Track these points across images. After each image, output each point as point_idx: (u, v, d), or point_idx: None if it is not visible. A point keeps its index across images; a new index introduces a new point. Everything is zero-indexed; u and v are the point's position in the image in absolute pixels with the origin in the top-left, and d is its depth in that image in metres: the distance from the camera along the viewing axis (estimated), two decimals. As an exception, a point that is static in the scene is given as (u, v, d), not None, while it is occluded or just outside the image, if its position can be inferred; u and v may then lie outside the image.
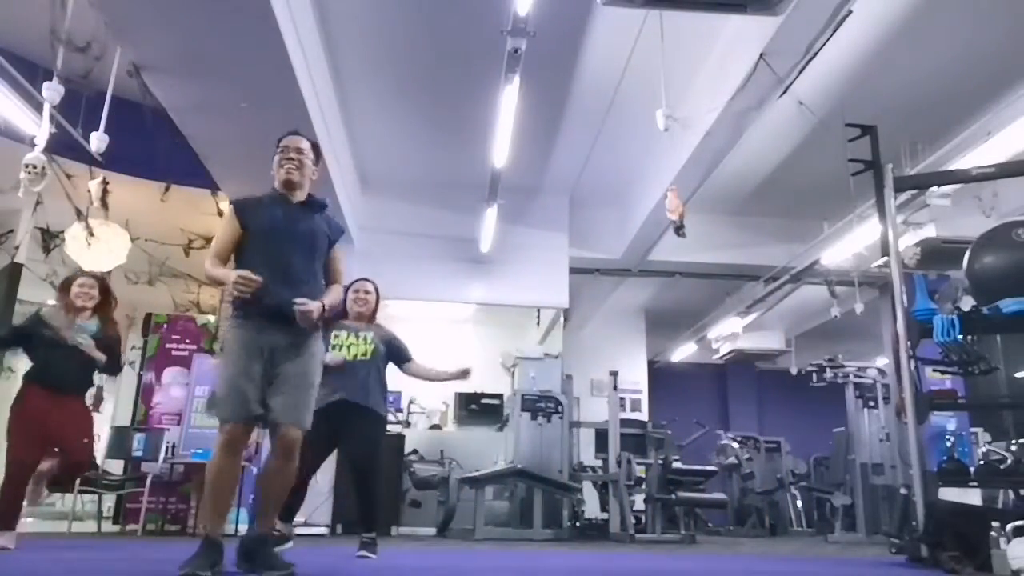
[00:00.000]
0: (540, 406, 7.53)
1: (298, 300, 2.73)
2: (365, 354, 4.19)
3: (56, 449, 4.12)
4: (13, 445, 3.97)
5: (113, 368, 4.40)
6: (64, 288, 4.32)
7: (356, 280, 4.44)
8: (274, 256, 2.83)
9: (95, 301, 4.31)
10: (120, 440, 6.67)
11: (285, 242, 2.86)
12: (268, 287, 2.73)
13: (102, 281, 4.44)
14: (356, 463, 4.24)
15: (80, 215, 6.19)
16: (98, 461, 6.80)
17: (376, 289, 4.47)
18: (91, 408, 4.58)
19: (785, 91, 5.45)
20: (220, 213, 7.33)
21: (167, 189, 7.03)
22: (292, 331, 2.79)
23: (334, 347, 4.21)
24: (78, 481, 6.13)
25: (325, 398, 4.00)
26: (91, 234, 5.85)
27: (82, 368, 4.20)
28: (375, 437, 4.30)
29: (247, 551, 2.78)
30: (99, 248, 5.97)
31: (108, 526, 6.83)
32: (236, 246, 2.90)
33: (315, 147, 3.10)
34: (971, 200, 6.70)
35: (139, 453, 6.53)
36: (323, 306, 2.82)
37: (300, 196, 3.00)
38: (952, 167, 5.91)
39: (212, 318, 7.52)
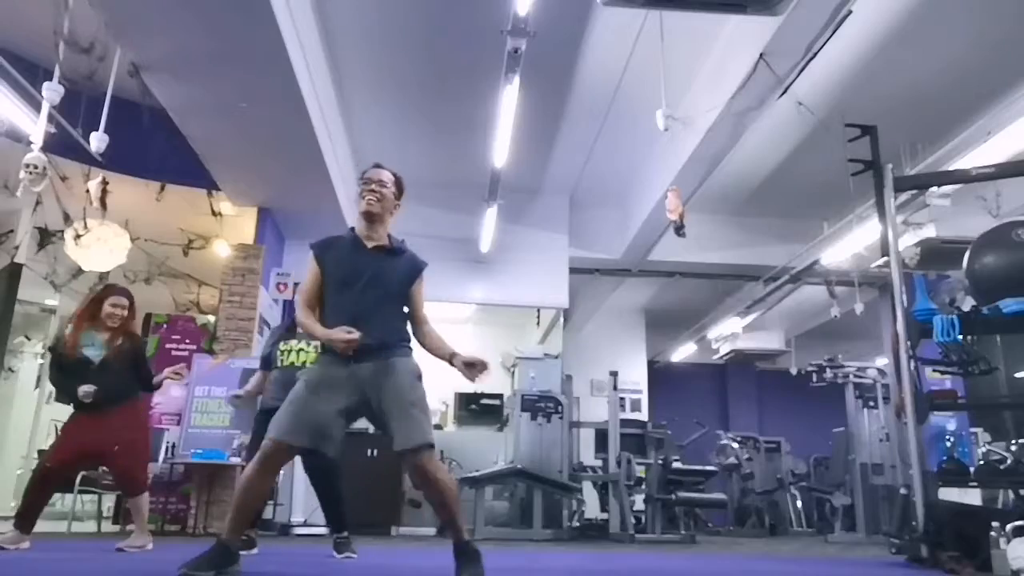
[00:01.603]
0: (540, 406, 7.52)
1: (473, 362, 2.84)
2: (315, 361, 4.20)
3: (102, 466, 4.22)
4: (48, 452, 4.10)
5: (146, 386, 4.34)
6: (96, 301, 4.24)
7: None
8: (348, 303, 2.83)
9: (119, 323, 4.25)
10: (120, 440, 6.65)
11: (358, 289, 2.85)
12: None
13: (131, 298, 4.38)
14: (315, 466, 4.26)
15: (68, 218, 6.19)
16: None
17: None
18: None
19: (785, 91, 5.45)
20: (214, 213, 7.35)
21: (162, 188, 7.03)
22: (373, 360, 2.78)
23: (281, 353, 4.32)
24: (78, 481, 6.15)
25: (279, 401, 4.04)
26: (78, 235, 5.83)
27: (112, 380, 4.09)
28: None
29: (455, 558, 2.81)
30: (99, 248, 5.97)
31: (108, 526, 6.83)
32: (321, 287, 2.92)
33: (397, 180, 3.06)
34: (971, 200, 6.69)
35: (139, 453, 6.52)
36: (453, 353, 2.90)
37: (379, 233, 2.97)
38: (952, 167, 5.91)
39: (212, 318, 7.51)
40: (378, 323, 2.79)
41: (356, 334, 2.68)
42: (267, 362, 4.46)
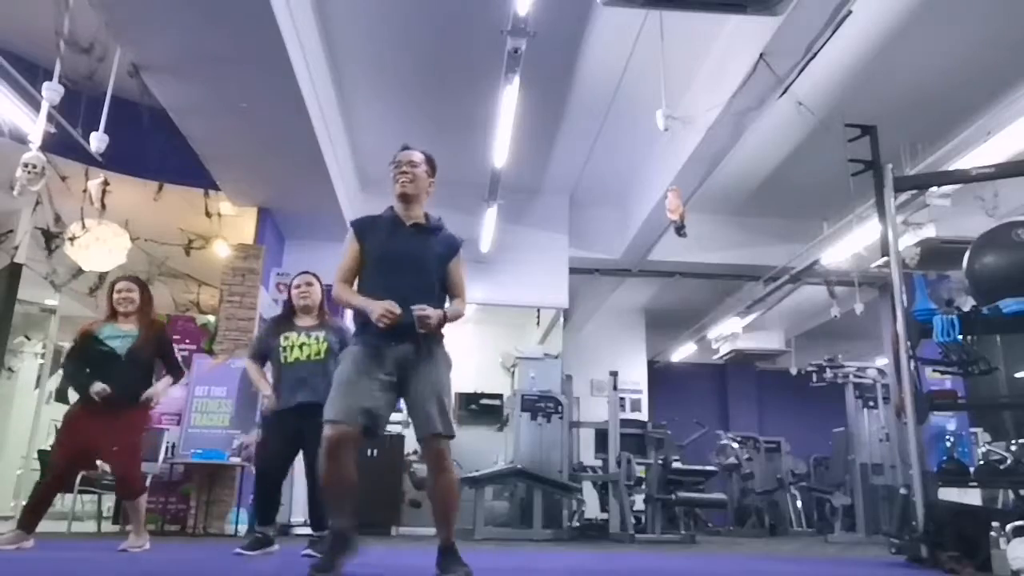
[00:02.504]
0: (540, 406, 7.53)
1: (416, 307, 2.74)
2: (319, 353, 4.14)
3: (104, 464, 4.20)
4: (55, 450, 4.08)
5: (175, 372, 4.27)
6: (109, 296, 4.23)
7: (299, 273, 4.42)
8: (389, 282, 2.85)
9: (136, 304, 4.20)
10: (120, 440, 6.66)
11: (398, 268, 2.89)
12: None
13: (140, 282, 4.33)
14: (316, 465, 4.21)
15: (59, 219, 6.19)
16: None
17: (320, 282, 4.38)
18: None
19: (785, 91, 5.45)
20: (209, 214, 7.34)
21: (160, 188, 7.03)
22: (414, 342, 2.79)
23: (283, 348, 4.15)
24: (78, 480, 6.14)
25: (288, 400, 4.03)
26: (74, 236, 5.83)
27: (129, 378, 4.04)
28: None
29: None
30: (98, 248, 5.97)
31: (108, 526, 6.83)
32: (360, 264, 2.95)
33: (428, 159, 3.08)
34: (971, 200, 6.69)
35: (139, 453, 6.52)
36: (444, 315, 2.84)
37: (416, 212, 3.01)
38: (952, 167, 5.90)
39: (212, 318, 7.51)
40: (417, 300, 2.78)
41: (398, 308, 2.71)
42: (261, 353, 4.28)
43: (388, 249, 2.92)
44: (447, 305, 2.96)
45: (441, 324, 2.84)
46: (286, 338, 4.18)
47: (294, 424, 3.96)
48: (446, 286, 2.99)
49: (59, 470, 3.99)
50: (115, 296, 4.18)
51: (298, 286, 4.33)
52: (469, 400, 10.04)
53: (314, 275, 4.40)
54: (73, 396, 4.27)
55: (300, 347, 4.15)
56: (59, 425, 4.19)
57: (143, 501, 4.18)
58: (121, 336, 4.10)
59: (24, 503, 4.02)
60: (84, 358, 4.09)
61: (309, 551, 3.93)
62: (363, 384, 2.72)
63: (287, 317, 4.33)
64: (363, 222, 3.03)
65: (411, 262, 2.91)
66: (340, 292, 2.92)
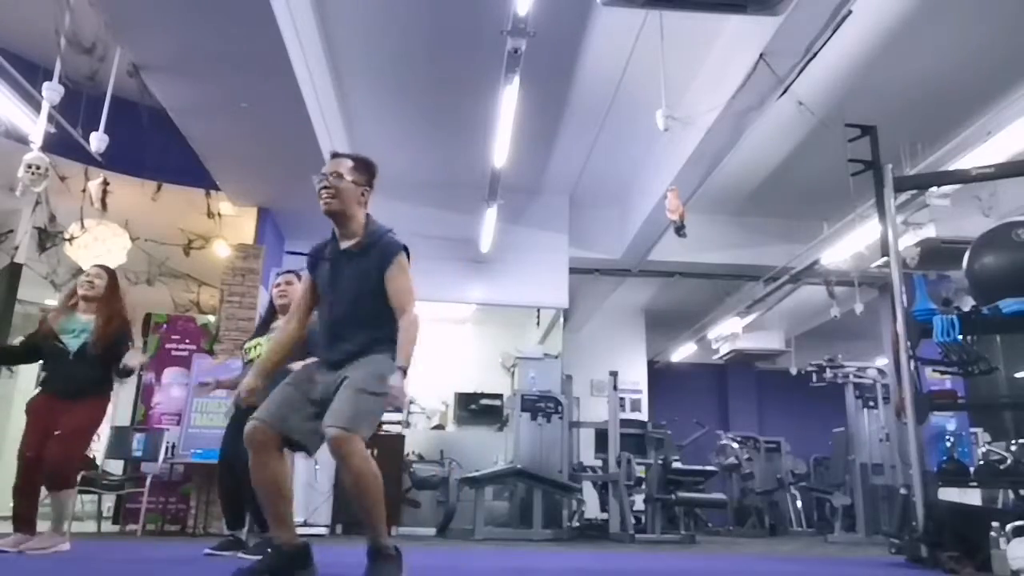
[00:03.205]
0: (540, 406, 7.53)
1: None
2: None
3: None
4: (22, 441, 3.88)
5: (118, 371, 4.02)
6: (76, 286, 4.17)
7: (280, 273, 4.33)
8: (328, 318, 2.75)
9: (97, 291, 4.06)
10: (120, 440, 6.66)
11: (331, 301, 2.75)
12: (320, 343, 2.76)
13: (109, 271, 4.20)
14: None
15: (54, 219, 6.19)
16: (98, 461, 6.81)
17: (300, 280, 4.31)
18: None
19: (785, 91, 5.45)
20: (209, 214, 7.35)
21: (159, 188, 7.04)
22: (348, 365, 2.66)
23: (249, 349, 4.09)
24: (78, 480, 6.12)
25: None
26: (72, 237, 5.82)
27: (87, 372, 3.94)
28: None
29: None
30: (98, 248, 5.97)
31: (108, 526, 6.83)
32: (312, 301, 2.84)
33: (359, 164, 2.83)
34: (971, 200, 6.70)
35: (139, 453, 6.52)
36: (403, 371, 2.58)
37: (350, 229, 2.78)
38: (952, 167, 5.91)
39: (212, 318, 7.51)
40: (351, 334, 2.66)
41: (250, 394, 2.70)
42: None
43: (326, 282, 2.77)
44: (400, 346, 2.65)
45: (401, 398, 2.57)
46: (257, 342, 4.11)
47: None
48: (391, 302, 2.72)
49: (29, 460, 3.81)
50: (81, 278, 4.10)
51: (278, 284, 4.24)
52: (469, 400, 10.03)
53: (296, 274, 4.22)
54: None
55: (259, 348, 4.03)
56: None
57: (68, 497, 3.93)
58: (76, 330, 3.97)
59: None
60: (35, 344, 4.04)
61: (214, 550, 3.86)
62: (295, 399, 2.61)
63: (267, 322, 4.23)
64: (313, 253, 2.86)
65: (345, 292, 2.72)
66: (276, 333, 2.89)
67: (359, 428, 2.49)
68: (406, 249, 2.79)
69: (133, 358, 4.02)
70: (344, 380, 2.57)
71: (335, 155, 2.87)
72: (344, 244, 2.78)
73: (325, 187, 2.74)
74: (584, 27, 5.92)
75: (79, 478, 5.02)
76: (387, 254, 2.74)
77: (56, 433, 3.79)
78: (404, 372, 2.57)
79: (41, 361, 4.12)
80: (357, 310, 2.70)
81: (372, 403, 2.55)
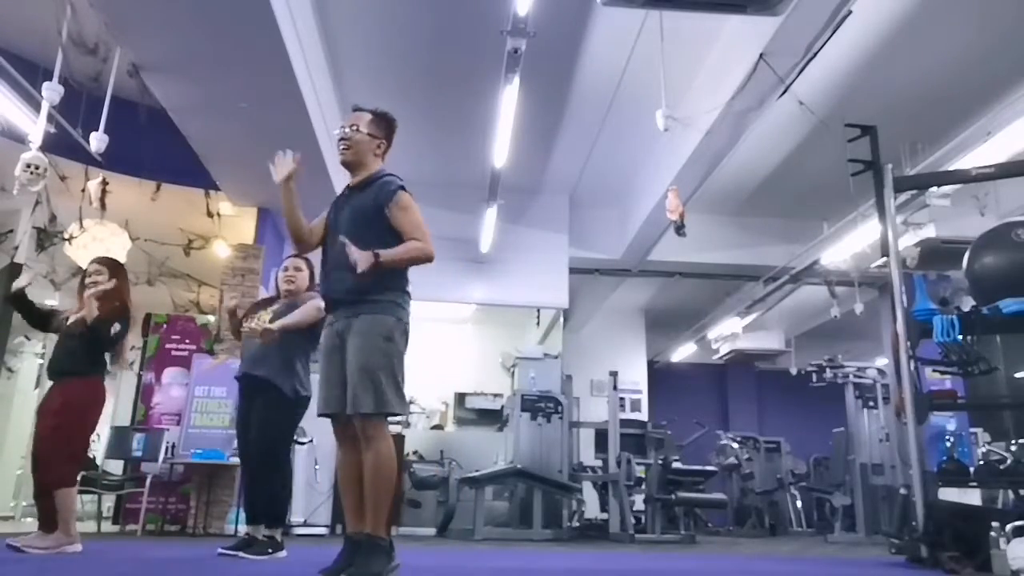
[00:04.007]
0: (540, 406, 7.52)
1: (345, 240, 2.65)
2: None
3: None
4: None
5: (92, 353, 3.82)
6: (81, 281, 4.11)
7: (290, 256, 4.28)
8: (330, 251, 2.84)
9: (101, 292, 3.91)
10: (120, 440, 6.66)
11: (337, 231, 2.81)
12: (321, 280, 2.86)
13: (107, 262, 4.10)
14: (251, 448, 3.87)
15: (54, 219, 6.18)
16: (98, 461, 6.81)
17: (311, 269, 4.16)
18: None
19: (785, 91, 5.45)
20: (209, 214, 7.35)
21: (158, 188, 7.04)
22: (344, 311, 2.73)
23: (246, 319, 4.07)
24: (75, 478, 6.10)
25: (240, 368, 3.94)
26: (72, 237, 5.81)
27: (73, 348, 3.80)
28: (273, 418, 3.85)
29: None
30: (97, 248, 5.97)
31: (108, 526, 6.83)
32: (321, 234, 2.94)
33: (377, 118, 2.90)
34: (971, 200, 6.70)
35: (139, 453, 6.52)
36: (375, 255, 2.59)
37: (361, 177, 2.88)
38: (952, 167, 5.91)
39: (212, 318, 7.51)
40: (346, 269, 2.63)
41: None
42: (236, 329, 4.22)
43: (332, 219, 2.90)
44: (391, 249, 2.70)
45: (373, 266, 2.58)
46: (257, 316, 4.05)
47: (244, 398, 3.90)
48: (399, 237, 2.75)
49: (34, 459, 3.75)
50: (86, 279, 4.04)
51: (285, 268, 4.18)
52: (469, 400, 10.05)
53: (306, 260, 4.19)
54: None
55: (261, 320, 3.97)
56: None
57: (65, 496, 3.70)
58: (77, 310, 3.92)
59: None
60: (50, 319, 4.01)
61: (224, 550, 3.74)
62: (330, 372, 2.73)
63: (269, 301, 4.20)
64: (336, 199, 3.01)
65: (344, 224, 2.79)
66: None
67: (385, 406, 2.58)
68: (404, 188, 2.83)
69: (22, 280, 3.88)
70: (352, 356, 2.63)
71: (356, 108, 2.96)
72: (351, 186, 2.91)
73: (342, 138, 2.86)
74: (584, 27, 5.92)
75: (79, 477, 4.88)
76: (385, 191, 2.78)
77: (44, 429, 3.69)
78: (376, 256, 2.59)
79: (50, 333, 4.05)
80: (359, 236, 2.69)
81: (386, 370, 2.60)
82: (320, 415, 2.78)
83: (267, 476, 3.84)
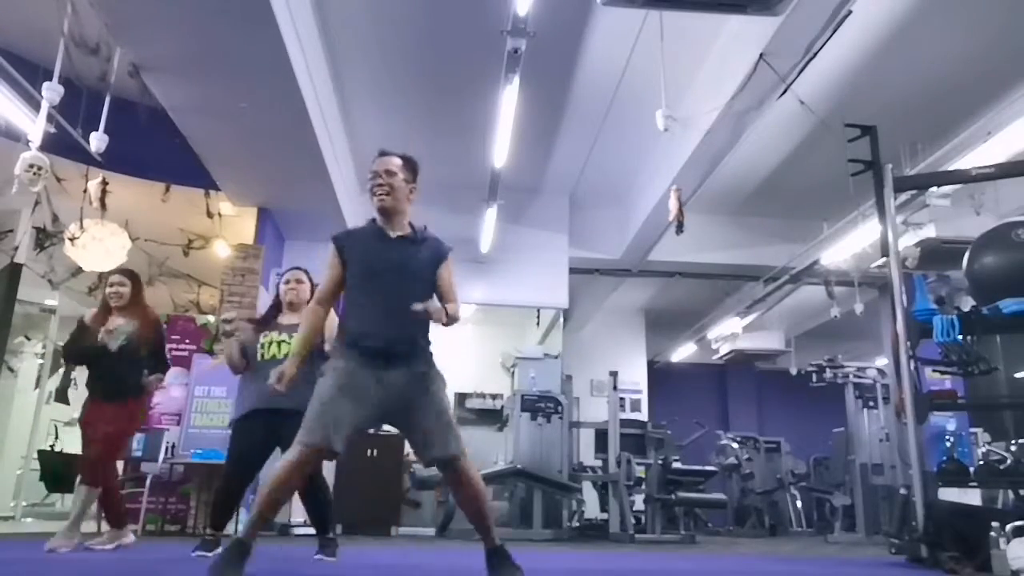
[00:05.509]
0: (540, 406, 7.53)
1: (417, 306, 2.65)
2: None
3: None
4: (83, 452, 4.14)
5: (160, 365, 4.31)
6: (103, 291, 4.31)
7: (290, 268, 4.32)
8: (374, 297, 2.75)
9: (125, 299, 4.22)
10: (120, 440, 6.66)
11: (382, 282, 2.76)
12: (371, 328, 2.72)
13: (132, 275, 4.34)
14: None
15: (56, 219, 6.19)
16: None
17: (310, 279, 4.21)
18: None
19: (785, 91, 5.45)
20: (211, 214, 7.34)
21: (167, 189, 7.04)
22: (406, 365, 2.73)
23: (262, 345, 3.99)
24: (78, 481, 6.13)
25: (260, 400, 3.76)
26: (73, 237, 5.82)
27: (125, 372, 4.12)
28: None
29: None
30: (97, 248, 5.97)
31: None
32: (341, 284, 2.85)
33: (407, 163, 2.90)
34: (970, 200, 6.70)
35: (139, 453, 6.52)
36: (445, 311, 2.70)
37: (399, 223, 2.87)
38: (952, 167, 5.91)
39: (212, 318, 7.51)
40: (407, 317, 2.66)
41: (281, 383, 2.76)
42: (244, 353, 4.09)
43: (372, 263, 2.79)
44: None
45: (444, 320, 2.69)
46: (266, 335, 4.03)
47: (268, 427, 3.76)
48: (440, 295, 2.84)
49: (82, 467, 4.07)
50: (107, 291, 4.24)
51: (287, 281, 4.22)
52: (469, 400, 10.05)
53: (305, 272, 4.28)
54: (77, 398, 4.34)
55: (278, 344, 3.97)
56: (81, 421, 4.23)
57: (89, 492, 4.08)
58: (115, 331, 4.11)
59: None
60: (82, 349, 4.17)
61: (321, 555, 3.87)
62: (343, 405, 2.60)
63: (272, 316, 4.19)
64: (344, 236, 2.90)
65: (396, 274, 2.77)
66: (305, 314, 2.94)
67: (464, 447, 2.74)
68: None
69: (152, 384, 4.26)
70: (433, 409, 2.71)
71: (383, 153, 2.93)
72: (393, 234, 2.86)
73: (379, 184, 2.83)
74: (584, 27, 5.92)
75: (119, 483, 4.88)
76: (442, 250, 2.91)
77: (93, 434, 4.03)
78: (446, 310, 2.73)
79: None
80: (409, 290, 2.74)
81: (454, 416, 2.82)
82: (322, 446, 2.58)
83: (321, 489, 4.05)
